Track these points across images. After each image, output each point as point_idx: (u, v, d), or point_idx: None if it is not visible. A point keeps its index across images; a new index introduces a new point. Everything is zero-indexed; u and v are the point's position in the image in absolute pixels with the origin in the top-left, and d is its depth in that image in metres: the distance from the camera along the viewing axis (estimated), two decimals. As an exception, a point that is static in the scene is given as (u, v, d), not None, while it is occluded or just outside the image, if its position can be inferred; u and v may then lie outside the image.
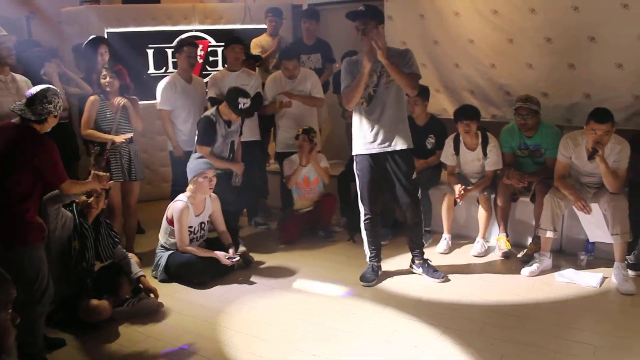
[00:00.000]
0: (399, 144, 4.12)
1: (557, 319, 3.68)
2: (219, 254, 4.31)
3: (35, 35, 6.66)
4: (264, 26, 6.37)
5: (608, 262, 4.30)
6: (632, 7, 4.62)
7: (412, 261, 4.46)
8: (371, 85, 4.04)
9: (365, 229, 4.33)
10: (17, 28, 6.52)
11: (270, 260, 4.78)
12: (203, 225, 4.50)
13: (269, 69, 6.11)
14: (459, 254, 4.84)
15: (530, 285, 4.20)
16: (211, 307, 3.92)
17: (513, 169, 4.71)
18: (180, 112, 5.13)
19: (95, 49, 5.01)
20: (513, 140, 4.78)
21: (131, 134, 4.49)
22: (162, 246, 4.43)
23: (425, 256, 4.42)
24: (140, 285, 3.94)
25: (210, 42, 6.62)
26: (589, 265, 4.45)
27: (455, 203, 4.81)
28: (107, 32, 6.06)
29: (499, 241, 4.78)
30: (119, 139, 4.41)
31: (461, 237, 5.11)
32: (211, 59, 6.65)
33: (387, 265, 4.53)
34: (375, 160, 4.15)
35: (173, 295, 4.10)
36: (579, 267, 4.44)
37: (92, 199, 3.67)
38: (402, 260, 4.70)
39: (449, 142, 4.90)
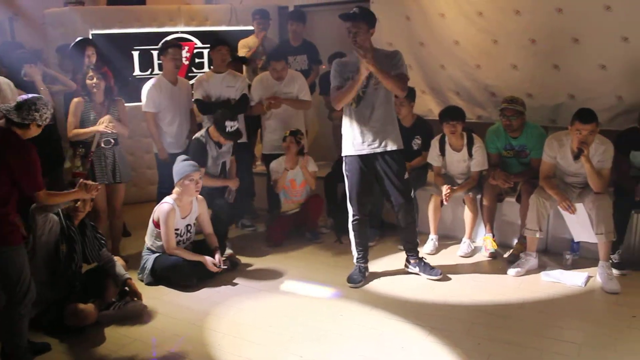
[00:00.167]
0: (389, 145, 4.14)
1: (543, 318, 3.70)
2: (207, 259, 4.29)
3: (18, 37, 6.61)
4: (250, 28, 6.37)
5: (593, 262, 4.33)
6: (615, 9, 4.68)
7: (407, 261, 4.46)
8: (360, 87, 4.05)
9: (353, 230, 4.33)
10: (0, 30, 6.47)
11: (257, 262, 4.77)
12: (190, 227, 4.48)
13: (257, 69, 6.10)
14: (445, 255, 4.85)
15: (516, 285, 4.22)
16: (198, 310, 3.90)
17: (499, 169, 4.74)
18: (165, 114, 5.10)
19: (82, 50, 4.97)
20: (498, 140, 4.81)
21: (114, 126, 4.42)
22: (148, 249, 4.40)
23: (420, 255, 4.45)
24: (127, 288, 3.91)
25: (196, 44, 6.60)
26: (575, 265, 4.49)
27: (442, 204, 4.82)
28: (91, 34, 6.02)
29: (485, 241, 4.80)
30: (102, 127, 4.36)
31: (448, 238, 5.13)
32: (197, 60, 6.63)
33: (374, 266, 4.54)
34: (365, 161, 4.16)
35: (160, 298, 4.07)
36: (564, 267, 4.47)
37: (79, 202, 3.64)
38: (390, 261, 4.72)
39: (434, 143, 4.92)
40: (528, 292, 4.09)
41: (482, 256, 4.78)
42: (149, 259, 4.33)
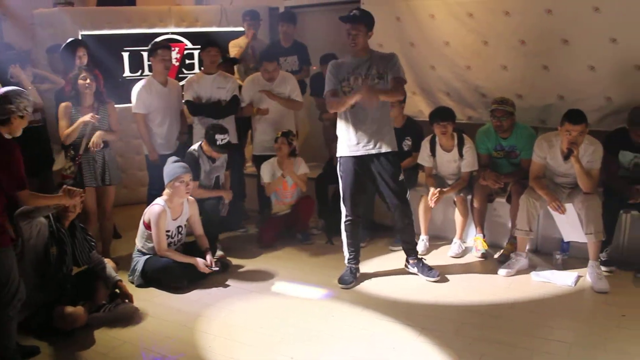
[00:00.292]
0: (384, 147, 4.14)
1: (534, 318, 3.72)
2: (199, 261, 4.28)
3: (7, 38, 6.57)
4: (240, 29, 6.35)
5: (583, 261, 4.35)
6: (603, 11, 4.71)
7: (407, 261, 4.48)
8: (356, 88, 4.05)
9: (346, 231, 4.33)
10: (-11, 30, 6.43)
11: (248, 263, 4.76)
12: (180, 229, 4.46)
13: (249, 69, 6.08)
14: (436, 255, 4.86)
15: (507, 285, 4.24)
16: (189, 312, 3.89)
17: (489, 170, 4.76)
18: (155, 115, 5.08)
19: (73, 51, 4.93)
20: (489, 141, 4.82)
21: (95, 118, 4.39)
22: (139, 251, 4.38)
23: (419, 255, 4.47)
24: (117, 290, 3.89)
25: (186, 45, 6.57)
26: (565, 265, 4.51)
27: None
28: (81, 35, 5.97)
29: (475, 242, 4.82)
30: (87, 117, 4.32)
31: (438, 238, 5.14)
32: (187, 61, 6.60)
33: (365, 267, 4.54)
34: (360, 162, 4.16)
35: (150, 300, 4.05)
36: (554, 267, 4.50)
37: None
38: (381, 261, 4.73)
39: (425, 144, 4.93)
40: (518, 292, 4.11)
41: (473, 256, 4.80)
42: (139, 261, 4.31)
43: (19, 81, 4.57)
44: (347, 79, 4.10)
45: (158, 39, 6.20)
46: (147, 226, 4.30)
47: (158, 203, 4.30)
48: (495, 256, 4.75)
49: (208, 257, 4.38)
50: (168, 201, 4.32)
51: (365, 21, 4.04)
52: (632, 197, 4.19)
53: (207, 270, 4.28)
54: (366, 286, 4.28)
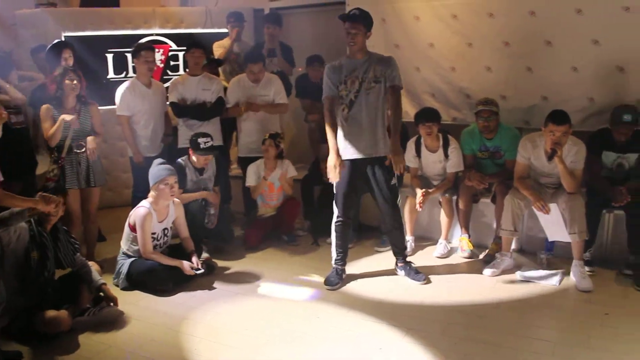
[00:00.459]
0: (379, 151, 4.15)
1: (519, 318, 3.75)
2: (184, 264, 4.25)
3: (-12, 39, 6.49)
4: (225, 30, 6.33)
5: (567, 261, 4.39)
6: (586, 13, 4.76)
7: (396, 264, 4.49)
8: (352, 91, 4.06)
9: (336, 231, 4.33)
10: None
11: (234, 265, 4.74)
12: (166, 231, 4.43)
13: (234, 70, 6.06)
14: (422, 256, 4.88)
15: (492, 285, 4.26)
16: (174, 315, 3.86)
17: (474, 170, 4.78)
18: (140, 117, 5.05)
19: (59, 53, 4.88)
20: (473, 142, 4.85)
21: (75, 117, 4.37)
22: (124, 253, 4.35)
23: (407, 259, 4.48)
24: (101, 293, 3.85)
25: (171, 47, 6.54)
26: (549, 264, 4.54)
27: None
28: (64, 36, 5.93)
29: (461, 242, 4.85)
30: (68, 117, 4.29)
31: (424, 239, 5.16)
32: (172, 63, 6.57)
33: (351, 268, 4.54)
34: (355, 166, 4.16)
35: (135, 304, 4.02)
36: (539, 266, 4.53)
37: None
38: (367, 262, 4.73)
39: (410, 145, 4.95)
40: (504, 291, 4.13)
41: (458, 257, 4.82)
42: (124, 264, 4.27)
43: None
44: (344, 82, 4.08)
45: (142, 41, 6.16)
46: (133, 228, 4.27)
47: (144, 205, 4.27)
48: (481, 256, 4.77)
49: (194, 259, 4.36)
50: (154, 203, 4.30)
51: (365, 21, 4.02)
52: (615, 200, 4.23)
53: (192, 273, 4.26)
54: (352, 287, 4.28)
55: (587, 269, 4.29)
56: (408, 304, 3.98)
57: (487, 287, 4.24)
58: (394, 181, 4.26)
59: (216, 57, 6.01)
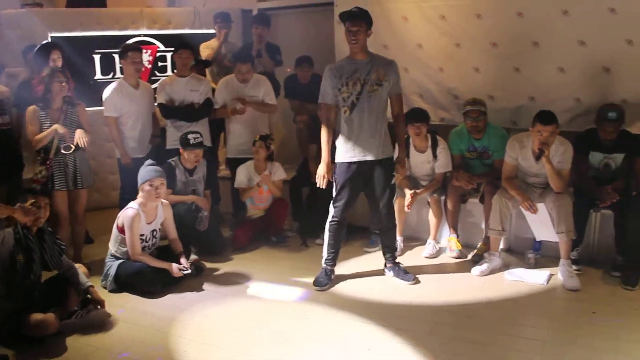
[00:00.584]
0: (380, 153, 4.13)
1: (507, 317, 3.76)
2: (173, 266, 4.23)
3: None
4: (213, 31, 6.32)
5: (554, 260, 4.42)
6: (572, 14, 4.80)
7: (385, 264, 4.49)
8: (354, 93, 4.04)
9: (329, 231, 4.31)
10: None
11: (222, 267, 4.73)
12: (155, 233, 4.41)
13: (222, 69, 6.04)
14: (410, 256, 4.89)
15: (480, 285, 4.28)
16: (163, 316, 3.84)
17: (462, 170, 4.80)
18: (127, 118, 5.02)
19: (47, 54, 4.83)
20: (462, 142, 4.87)
21: (71, 137, 4.35)
22: (112, 255, 4.32)
23: (396, 260, 4.48)
24: (89, 296, 3.82)
25: (158, 47, 6.51)
26: (537, 263, 4.58)
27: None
28: (50, 37, 5.88)
29: (449, 242, 4.86)
30: (62, 128, 4.28)
31: (412, 239, 5.17)
32: (160, 64, 6.54)
33: (340, 268, 4.54)
34: (356, 168, 4.13)
35: (124, 305, 4.00)
36: (527, 266, 4.55)
37: (34, 208, 3.56)
38: (356, 263, 4.74)
39: (399, 145, 4.96)
40: (492, 291, 4.15)
41: (447, 257, 4.84)
42: (112, 266, 4.25)
43: None
44: (346, 83, 4.04)
45: (129, 41, 6.13)
46: (121, 230, 4.24)
47: (132, 207, 4.25)
48: (469, 256, 4.79)
49: (182, 260, 4.34)
50: (142, 205, 4.27)
51: (365, 19, 4.00)
52: (602, 200, 4.27)
53: (180, 274, 4.23)
54: (341, 288, 4.28)
55: (574, 268, 4.31)
56: (397, 304, 3.99)
57: (476, 286, 4.25)
58: (393, 181, 4.26)
59: (203, 58, 5.99)
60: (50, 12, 6.41)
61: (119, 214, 4.33)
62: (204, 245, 4.95)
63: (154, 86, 5.52)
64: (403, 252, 4.94)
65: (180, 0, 7.34)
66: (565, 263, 4.24)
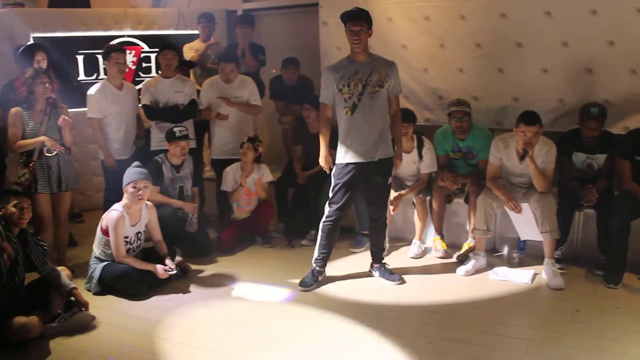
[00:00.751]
0: (380, 153, 4.13)
1: (492, 316, 3.79)
2: (158, 268, 4.20)
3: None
4: (197, 32, 6.29)
5: (539, 259, 4.46)
6: (555, 15, 4.85)
7: (371, 264, 4.50)
8: (356, 94, 4.03)
9: (322, 232, 4.29)
10: None
11: (208, 268, 4.71)
12: (139, 235, 4.38)
13: (206, 68, 6.02)
14: (396, 256, 4.90)
15: (466, 284, 4.30)
16: (148, 319, 3.82)
17: (447, 171, 4.82)
18: (111, 120, 4.97)
19: (32, 55, 4.78)
20: (446, 142, 4.89)
21: (61, 148, 4.33)
22: (96, 257, 4.28)
23: (383, 260, 4.49)
24: (72, 298, 3.79)
25: (143, 48, 6.47)
26: (521, 263, 4.61)
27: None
28: (33, 37, 5.83)
29: (435, 242, 4.88)
30: (51, 142, 4.25)
31: (398, 239, 5.19)
32: (144, 65, 6.50)
33: (327, 269, 4.53)
34: (355, 169, 4.11)
35: (108, 308, 3.96)
36: (511, 265, 4.59)
37: (16, 211, 3.52)
38: (342, 264, 4.74)
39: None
40: (477, 290, 4.17)
41: (432, 257, 4.86)
42: (96, 268, 4.21)
43: None
44: (347, 84, 4.02)
45: (113, 42, 6.08)
46: (105, 232, 4.21)
47: (116, 209, 4.22)
48: (454, 256, 4.81)
49: (168, 261, 4.31)
50: (126, 207, 4.24)
51: (366, 18, 3.99)
52: (586, 200, 4.31)
53: (166, 276, 4.21)
54: (327, 288, 4.28)
55: (558, 267, 4.35)
56: (383, 304, 4.00)
57: (461, 286, 4.27)
58: (390, 181, 4.28)
59: (187, 59, 5.96)
60: (32, 12, 6.35)
61: (102, 216, 4.29)
62: (190, 247, 4.93)
63: (138, 87, 5.48)
64: (389, 252, 4.93)
65: (165, 1, 7.29)
66: (549, 262, 4.27)
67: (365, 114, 4.05)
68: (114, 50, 4.96)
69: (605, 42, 4.72)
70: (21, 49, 4.91)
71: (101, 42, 5.80)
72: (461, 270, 4.46)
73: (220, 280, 4.46)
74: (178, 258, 4.58)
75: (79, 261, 4.70)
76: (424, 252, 4.92)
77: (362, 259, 4.71)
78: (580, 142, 4.48)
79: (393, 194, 4.72)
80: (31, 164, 4.27)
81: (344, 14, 4.02)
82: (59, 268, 3.84)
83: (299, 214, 5.37)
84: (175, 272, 4.27)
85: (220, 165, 5.31)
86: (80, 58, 6.15)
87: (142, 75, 6.42)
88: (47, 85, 4.26)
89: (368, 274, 4.49)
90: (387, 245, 4.93)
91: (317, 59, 6.06)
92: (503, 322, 3.73)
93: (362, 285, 4.32)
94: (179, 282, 4.36)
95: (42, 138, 4.25)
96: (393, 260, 4.74)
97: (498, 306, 3.95)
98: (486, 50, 5.23)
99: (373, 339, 3.49)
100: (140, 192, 4.24)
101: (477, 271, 4.47)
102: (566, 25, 4.82)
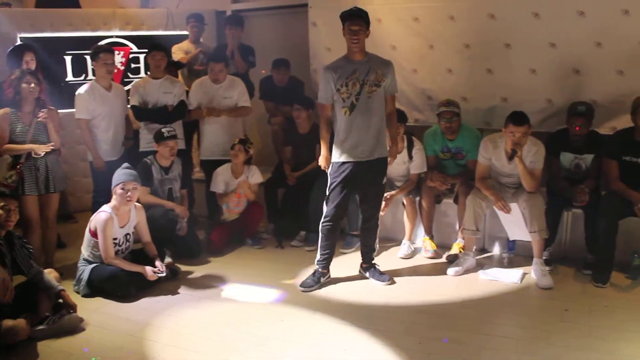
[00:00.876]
0: (377, 153, 4.13)
1: (482, 316, 3.80)
2: (147, 270, 4.18)
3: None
4: (186, 32, 6.27)
5: (528, 259, 4.48)
6: (543, 16, 4.87)
7: (361, 265, 4.50)
8: (354, 94, 4.03)
9: (322, 232, 4.28)
10: None
11: (198, 270, 4.69)
12: (128, 236, 4.36)
13: (194, 69, 6.00)
14: (386, 257, 4.91)
15: (455, 284, 4.31)
16: (137, 321, 3.80)
17: (436, 171, 4.84)
18: (100, 121, 4.94)
19: (20, 56, 4.73)
20: (436, 143, 4.91)
21: (52, 146, 4.30)
22: (84, 259, 4.25)
23: (373, 261, 4.49)
24: (60, 300, 3.76)
25: (131, 49, 6.44)
26: (510, 263, 4.64)
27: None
28: (20, 38, 5.78)
29: (424, 242, 4.89)
30: (41, 149, 4.22)
31: (388, 240, 5.19)
32: (133, 65, 6.47)
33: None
34: (351, 168, 4.11)
35: (97, 310, 3.94)
36: (501, 265, 4.61)
37: (2, 213, 3.49)
38: (332, 265, 4.71)
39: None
40: (467, 290, 4.19)
41: (422, 257, 4.87)
42: (85, 270, 4.18)
43: None
44: (345, 84, 4.02)
45: (101, 43, 6.05)
46: (94, 234, 4.18)
47: (105, 210, 4.19)
48: (444, 256, 4.82)
49: (157, 262, 4.29)
50: (115, 208, 4.22)
51: (364, 18, 4.00)
52: (576, 199, 4.33)
53: (155, 277, 4.19)
54: (316, 289, 4.28)
55: (546, 266, 4.37)
56: (372, 304, 4.00)
57: (451, 286, 4.29)
58: (385, 180, 4.28)
59: (175, 60, 5.94)
60: (19, 12, 6.31)
61: (91, 218, 4.27)
62: (179, 249, 4.91)
63: (127, 88, 5.46)
64: (378, 252, 4.93)
65: (154, 2, 7.26)
66: (538, 262, 4.30)
67: (363, 114, 4.06)
68: (102, 51, 4.93)
69: (593, 43, 4.76)
70: (9, 50, 4.86)
71: (89, 42, 5.76)
72: (451, 270, 4.48)
73: (210, 282, 4.44)
74: (167, 260, 4.56)
75: (68, 263, 4.66)
76: (413, 253, 4.93)
77: (351, 260, 4.72)
78: (568, 142, 4.51)
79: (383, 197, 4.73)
80: (18, 166, 4.23)
81: (344, 13, 4.02)
82: (47, 270, 3.81)
83: (289, 215, 5.36)
84: (164, 274, 4.25)
85: (209, 166, 5.30)
86: (68, 59, 6.10)
87: (130, 76, 6.38)
88: (32, 85, 4.21)
89: (358, 275, 4.49)
90: (377, 245, 4.95)
91: (306, 59, 6.06)
92: (492, 321, 3.74)
93: (352, 286, 4.32)
94: (168, 284, 4.34)
95: (30, 146, 4.21)
96: (383, 260, 4.75)
97: (487, 306, 3.97)
98: (475, 51, 5.25)
99: (363, 340, 3.49)
100: (129, 193, 4.22)
101: (467, 271, 4.48)
102: (554, 27, 4.85)
